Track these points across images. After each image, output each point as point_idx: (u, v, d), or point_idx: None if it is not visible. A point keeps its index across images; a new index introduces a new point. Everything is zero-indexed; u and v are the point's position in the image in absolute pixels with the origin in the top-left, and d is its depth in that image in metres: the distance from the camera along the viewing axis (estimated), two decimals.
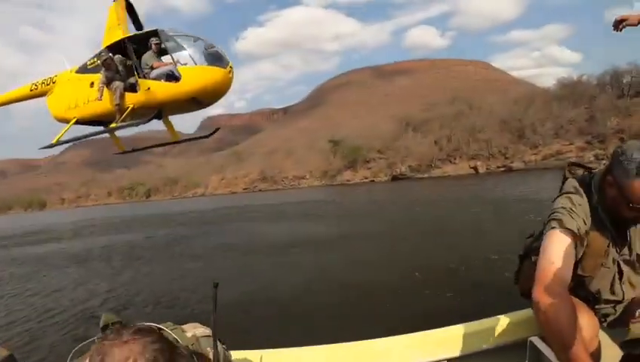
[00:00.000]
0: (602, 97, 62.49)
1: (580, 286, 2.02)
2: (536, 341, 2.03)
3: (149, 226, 30.74)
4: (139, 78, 8.75)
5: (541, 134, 65.16)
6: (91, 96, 9.34)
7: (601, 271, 1.99)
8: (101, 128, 9.78)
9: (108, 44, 9.35)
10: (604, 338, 2.09)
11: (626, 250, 2.00)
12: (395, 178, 79.91)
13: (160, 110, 9.08)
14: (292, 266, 11.95)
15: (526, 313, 2.30)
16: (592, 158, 53.77)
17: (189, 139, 11.42)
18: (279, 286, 9.87)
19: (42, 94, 10.82)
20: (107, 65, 9.06)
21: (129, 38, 9.11)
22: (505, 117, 72.97)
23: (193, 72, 8.20)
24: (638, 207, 1.77)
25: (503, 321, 2.31)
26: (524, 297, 2.18)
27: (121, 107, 8.89)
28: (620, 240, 1.99)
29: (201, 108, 9.10)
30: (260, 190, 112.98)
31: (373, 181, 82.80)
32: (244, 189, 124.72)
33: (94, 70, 9.43)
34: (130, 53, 8.90)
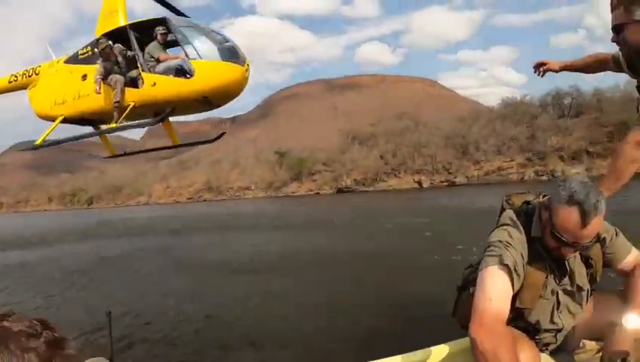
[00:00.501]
0: (544, 117, 64.40)
1: (519, 318, 2.01)
2: None
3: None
4: (142, 71, 7.83)
5: (484, 151, 66.23)
6: (83, 90, 8.41)
7: (540, 302, 2.00)
8: (91, 129, 9.01)
9: (105, 31, 8.34)
10: None
11: (566, 280, 2.03)
12: (340, 191, 79.50)
13: (163, 110, 8.11)
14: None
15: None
16: (532, 174, 56.22)
17: (191, 144, 10.57)
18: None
19: (23, 87, 9.73)
20: (106, 55, 8.09)
21: (132, 25, 8.16)
22: (450, 133, 74.00)
23: (208, 67, 7.33)
24: (558, 235, 1.81)
25: (442, 350, 2.17)
26: (464, 329, 1.98)
27: (120, 105, 7.90)
28: (560, 271, 2.01)
29: (208, 110, 8.40)
30: (205, 200, 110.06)
31: (319, 193, 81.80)
32: (189, 199, 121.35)
33: (87, 61, 8.46)
34: (133, 43, 8.00)
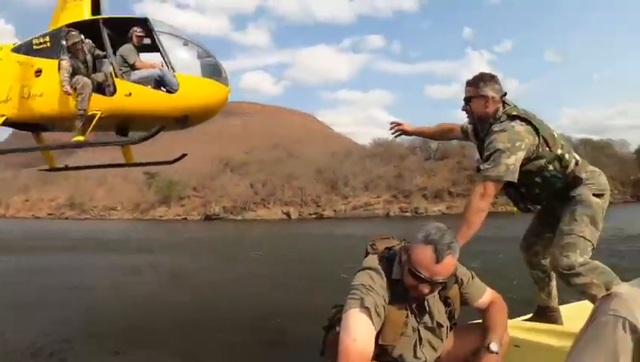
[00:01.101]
0: (411, 158, 67.69)
1: (383, 354, 2.15)
2: None
3: None
4: (116, 77, 6.83)
5: (352, 186, 67.21)
6: (36, 88, 7.21)
7: (402, 339, 2.17)
8: (54, 143, 8.23)
9: (67, 21, 7.24)
10: None
11: (427, 318, 2.23)
12: (208, 217, 76.13)
13: (130, 125, 7.56)
14: None
15: None
16: (397, 211, 58.59)
17: (147, 164, 9.75)
18: None
19: None
20: (76, 51, 6.95)
21: (106, 20, 7.20)
22: (321, 167, 74.69)
23: (194, 83, 6.63)
24: (414, 271, 2.01)
25: None
26: None
27: (85, 113, 6.77)
28: (420, 310, 2.21)
29: (175, 129, 7.29)
30: (67, 218, 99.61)
31: (186, 219, 78.07)
32: (49, 214, 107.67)
33: (44, 53, 7.25)
34: (106, 42, 7.04)
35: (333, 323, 2.36)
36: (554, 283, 3.33)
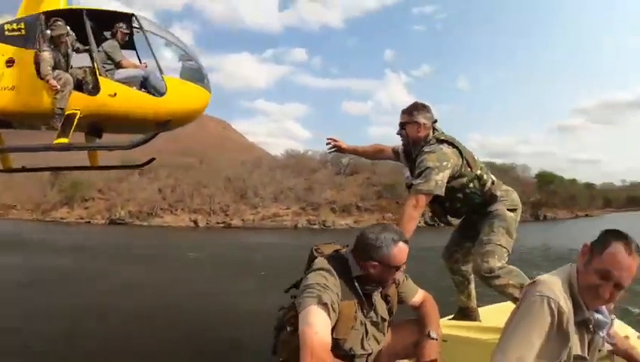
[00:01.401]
0: (322, 171, 68.63)
1: (337, 347, 2.30)
2: None
3: None
4: (100, 75, 6.40)
5: (262, 197, 66.95)
6: (6, 80, 6.47)
7: (352, 332, 2.37)
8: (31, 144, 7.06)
9: (47, 8, 6.66)
10: None
11: (372, 314, 2.47)
12: (112, 222, 72.54)
13: (107, 127, 7.13)
14: None
15: None
16: (305, 223, 59.16)
17: (113, 167, 9.71)
18: None
19: None
20: (59, 43, 6.49)
21: (90, 12, 6.63)
22: (231, 176, 73.68)
23: (181, 87, 6.40)
24: (398, 266, 2.36)
25: None
26: None
27: (63, 113, 6.28)
28: (367, 306, 2.44)
29: (152, 132, 6.96)
30: None
31: (90, 222, 74.02)
32: None
33: (17, 41, 6.59)
34: (90, 36, 6.53)
35: (283, 323, 2.48)
36: (472, 286, 3.84)
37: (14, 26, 6.65)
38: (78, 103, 6.43)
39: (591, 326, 2.07)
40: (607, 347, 2.26)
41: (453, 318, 3.93)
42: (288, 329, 2.39)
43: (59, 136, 6.40)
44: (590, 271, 1.97)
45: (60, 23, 6.50)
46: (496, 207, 3.40)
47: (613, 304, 2.14)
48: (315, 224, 59.46)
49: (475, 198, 3.42)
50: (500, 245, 3.28)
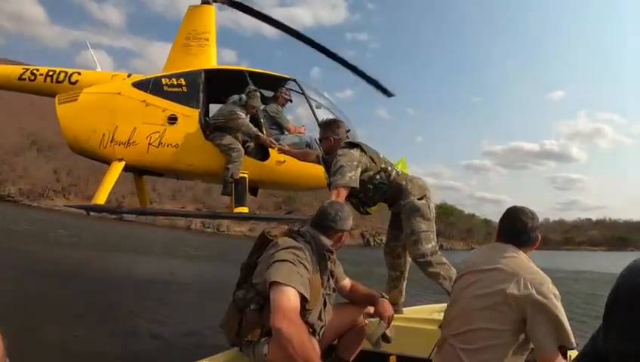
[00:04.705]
0: None
1: (302, 318, 2.36)
2: None
3: None
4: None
5: (159, 193, 65.32)
6: (169, 137, 6.31)
7: (317, 304, 2.53)
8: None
9: (202, 66, 6.77)
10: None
11: (328, 286, 2.69)
12: (1, 198, 67.56)
13: (262, 187, 7.20)
14: None
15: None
16: (199, 224, 59.28)
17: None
18: None
19: (38, 91, 7.18)
20: (250, 111, 6.33)
21: (253, 74, 6.66)
22: None
23: None
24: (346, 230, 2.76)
25: None
26: (248, 344, 2.52)
27: (233, 180, 6.22)
28: (329, 278, 2.71)
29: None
30: None
31: None
32: None
33: (179, 98, 6.39)
34: (256, 99, 6.35)
35: (247, 302, 2.52)
36: (404, 284, 4.21)
37: (174, 81, 6.56)
38: (247, 167, 6.34)
39: None
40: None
41: None
42: (252, 306, 2.47)
43: (237, 205, 6.32)
44: None
45: (257, 94, 6.38)
46: (407, 200, 3.86)
47: None
48: (209, 227, 59.22)
49: (383, 187, 3.94)
50: (422, 231, 3.79)
